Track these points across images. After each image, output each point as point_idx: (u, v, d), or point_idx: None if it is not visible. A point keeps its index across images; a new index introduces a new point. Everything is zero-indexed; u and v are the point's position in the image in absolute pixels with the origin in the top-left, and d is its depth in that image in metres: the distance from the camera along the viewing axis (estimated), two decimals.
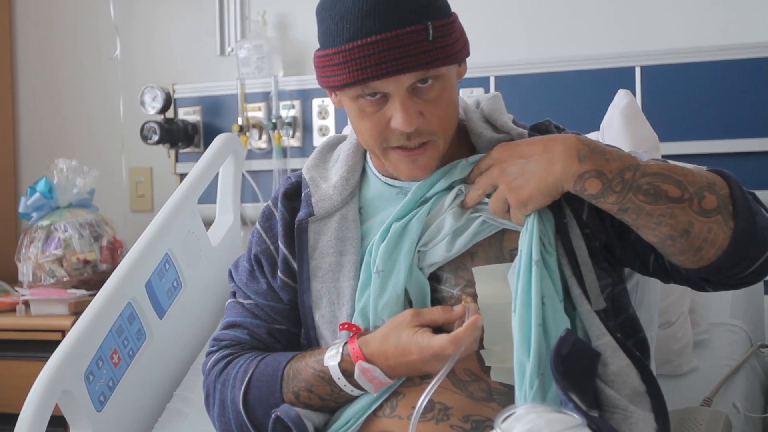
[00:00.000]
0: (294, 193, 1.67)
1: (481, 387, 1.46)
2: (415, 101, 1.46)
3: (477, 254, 1.52)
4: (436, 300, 1.52)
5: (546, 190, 1.45)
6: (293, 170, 3.19)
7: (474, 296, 1.49)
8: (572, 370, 1.38)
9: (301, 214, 1.62)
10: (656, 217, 1.42)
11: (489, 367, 1.46)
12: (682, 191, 1.42)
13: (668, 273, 1.56)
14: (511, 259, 1.50)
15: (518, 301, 1.42)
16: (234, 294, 1.71)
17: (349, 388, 1.49)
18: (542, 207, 1.48)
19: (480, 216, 1.52)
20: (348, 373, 1.48)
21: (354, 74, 1.43)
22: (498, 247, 1.53)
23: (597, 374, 1.45)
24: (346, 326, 1.51)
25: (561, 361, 1.37)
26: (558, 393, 1.37)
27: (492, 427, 1.42)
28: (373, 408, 1.50)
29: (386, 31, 1.40)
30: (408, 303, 1.51)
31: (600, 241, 1.55)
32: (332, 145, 1.73)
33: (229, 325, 1.68)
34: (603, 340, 1.46)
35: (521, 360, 1.39)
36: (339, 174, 1.63)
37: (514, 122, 1.62)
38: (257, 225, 1.70)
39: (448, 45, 1.46)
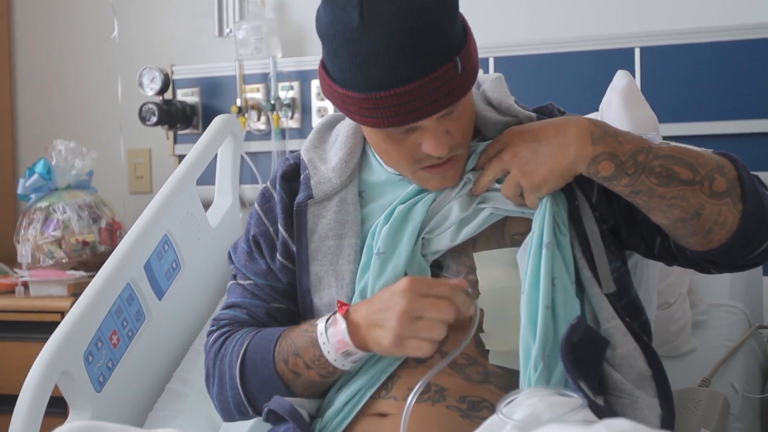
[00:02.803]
0: (292, 175, 1.66)
1: (478, 370, 1.46)
2: (443, 123, 1.42)
3: (478, 240, 1.52)
4: None
5: (560, 173, 1.44)
6: (292, 152, 3.17)
7: (476, 283, 1.48)
8: (581, 358, 1.37)
9: (300, 197, 1.60)
10: (668, 199, 1.42)
11: (487, 351, 1.46)
12: (693, 174, 1.42)
13: (673, 256, 1.56)
14: (513, 244, 1.50)
15: (527, 283, 1.41)
16: (235, 276, 1.69)
17: (327, 348, 1.43)
18: (556, 190, 1.47)
19: (487, 207, 1.51)
20: None
21: (386, 120, 1.38)
22: (500, 232, 1.52)
23: (604, 360, 1.45)
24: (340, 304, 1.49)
25: (571, 349, 1.36)
26: (563, 377, 1.37)
27: (488, 408, 1.43)
28: (369, 394, 1.47)
29: (419, 78, 1.33)
30: None
31: (608, 224, 1.55)
32: (330, 125, 1.71)
33: (229, 306, 1.66)
34: (612, 324, 1.46)
35: (527, 342, 1.39)
36: (338, 156, 1.61)
37: (516, 104, 1.61)
38: (256, 206, 1.68)
39: (474, 67, 1.42)
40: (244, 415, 1.60)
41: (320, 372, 1.47)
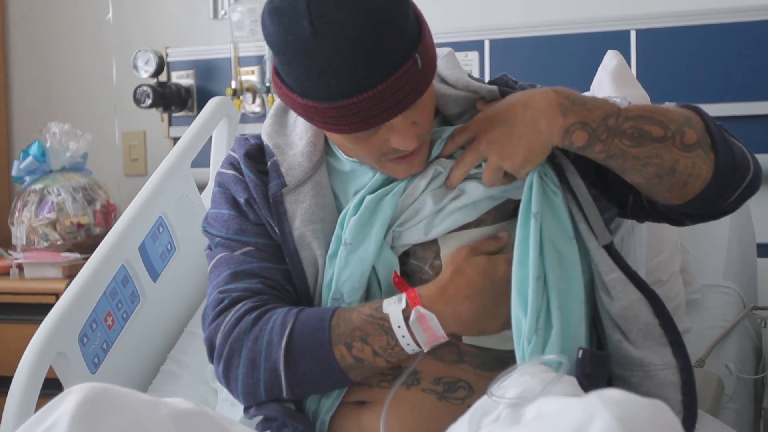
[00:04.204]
0: (256, 154, 1.58)
1: (450, 350, 1.44)
2: (408, 116, 1.38)
3: None
4: (404, 273, 1.48)
5: (538, 150, 1.41)
6: None
7: (441, 267, 1.46)
8: (595, 382, 1.34)
9: (273, 186, 1.52)
10: (642, 158, 1.41)
11: None
12: (664, 130, 1.41)
13: (646, 212, 1.55)
14: (478, 225, 1.48)
15: (516, 254, 1.39)
16: (221, 249, 1.57)
17: (406, 340, 1.39)
18: (540, 164, 1.43)
19: (461, 201, 1.47)
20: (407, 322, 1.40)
21: (351, 127, 1.34)
22: None
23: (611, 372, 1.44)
24: (397, 280, 1.46)
25: (588, 381, 1.33)
26: (556, 348, 1.35)
27: (464, 388, 1.43)
28: (343, 394, 1.47)
29: (380, 83, 1.29)
30: (376, 278, 1.48)
31: (585, 182, 1.53)
32: (286, 108, 1.61)
33: (235, 277, 1.52)
34: (612, 276, 1.44)
35: (518, 316, 1.37)
36: (305, 139, 1.54)
37: (470, 77, 1.56)
38: (231, 173, 1.58)
39: (432, 58, 1.37)
40: (271, 399, 1.47)
41: (390, 359, 1.42)
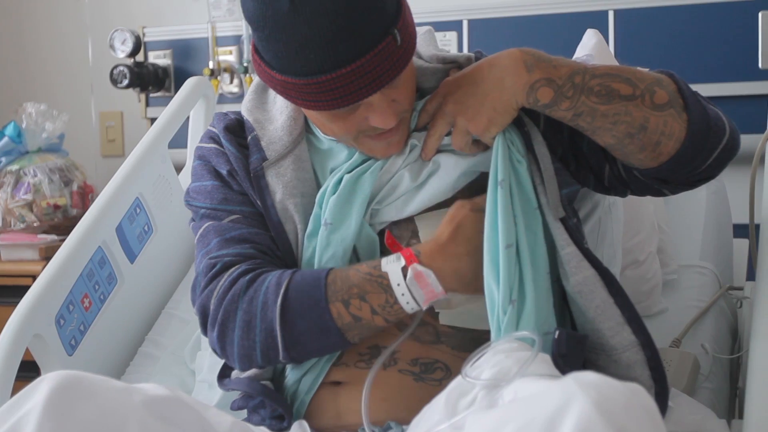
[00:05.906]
0: (236, 128, 1.58)
1: (428, 331, 1.44)
2: (388, 94, 1.39)
3: None
4: (383, 252, 1.48)
5: (503, 108, 1.41)
6: None
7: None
8: (572, 362, 1.35)
9: (253, 160, 1.52)
10: (611, 116, 1.40)
11: (436, 312, 1.45)
12: (633, 88, 1.41)
13: (625, 182, 1.54)
14: (453, 203, 1.46)
15: (486, 224, 1.38)
16: (203, 221, 1.55)
17: (406, 298, 1.37)
18: (505, 126, 1.43)
19: (438, 177, 1.47)
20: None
21: (329, 103, 1.34)
22: None
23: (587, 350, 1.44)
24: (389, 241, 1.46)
25: (564, 362, 1.33)
26: (531, 320, 1.35)
27: (441, 369, 1.43)
28: (330, 364, 1.46)
29: (359, 58, 1.29)
30: (355, 257, 1.48)
31: (556, 155, 1.53)
32: (266, 85, 1.56)
33: (226, 243, 1.50)
34: (567, 250, 1.43)
35: (490, 286, 1.36)
36: (286, 114, 1.54)
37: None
38: (212, 146, 1.58)
39: (412, 35, 1.37)
40: (268, 363, 1.45)
41: (388, 318, 1.40)
